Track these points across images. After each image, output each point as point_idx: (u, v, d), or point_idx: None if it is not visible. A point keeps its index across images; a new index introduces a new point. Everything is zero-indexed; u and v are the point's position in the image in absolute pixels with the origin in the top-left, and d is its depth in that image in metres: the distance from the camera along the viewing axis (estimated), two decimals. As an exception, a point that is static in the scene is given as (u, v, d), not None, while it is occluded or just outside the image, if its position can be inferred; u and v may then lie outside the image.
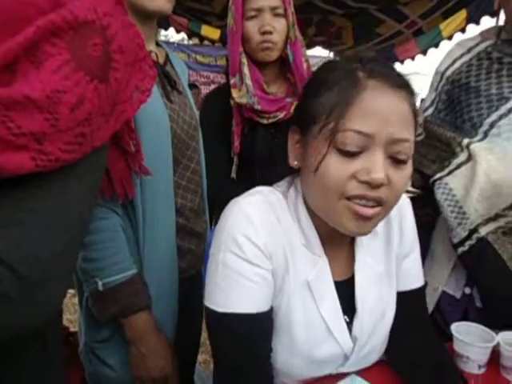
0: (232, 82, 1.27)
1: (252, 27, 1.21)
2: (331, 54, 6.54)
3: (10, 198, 0.44)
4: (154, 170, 0.83)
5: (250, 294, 0.66)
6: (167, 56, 1.02)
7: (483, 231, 0.91)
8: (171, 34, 10.48)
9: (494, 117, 0.96)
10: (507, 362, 0.81)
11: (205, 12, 4.23)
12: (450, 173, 0.97)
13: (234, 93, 1.25)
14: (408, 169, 0.64)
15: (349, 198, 0.62)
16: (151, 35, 0.95)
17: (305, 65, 1.29)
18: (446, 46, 3.92)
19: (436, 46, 4.20)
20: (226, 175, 1.28)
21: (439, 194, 0.97)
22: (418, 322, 0.80)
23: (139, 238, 0.86)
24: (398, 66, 4.91)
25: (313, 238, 0.71)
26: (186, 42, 7.37)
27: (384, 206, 0.63)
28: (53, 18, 0.43)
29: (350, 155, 0.61)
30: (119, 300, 0.82)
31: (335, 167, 0.61)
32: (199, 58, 5.99)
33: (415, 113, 0.64)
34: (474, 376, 0.81)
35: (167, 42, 6.61)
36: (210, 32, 4.70)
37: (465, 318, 0.97)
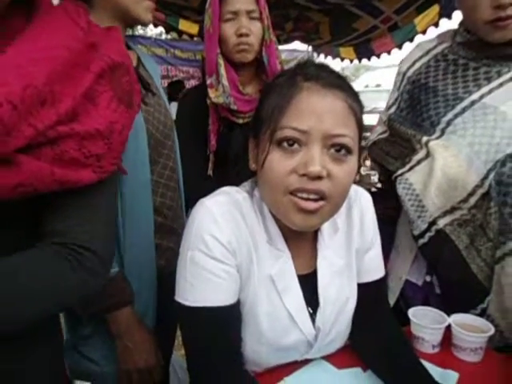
0: (208, 81, 1.30)
1: (229, 29, 1.25)
2: (310, 48, 6.59)
3: (83, 202, 0.61)
4: (132, 171, 0.86)
5: (217, 288, 0.70)
6: (139, 58, 1.03)
7: (441, 223, 0.98)
8: (149, 27, 10.30)
9: (450, 115, 1.02)
10: (457, 342, 0.87)
11: (182, 6, 4.18)
12: (410, 169, 1.04)
13: (211, 92, 1.29)
14: (350, 163, 0.68)
15: (292, 193, 0.66)
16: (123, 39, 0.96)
17: (279, 66, 1.34)
18: (420, 40, 4.01)
19: (411, 40, 4.29)
20: (202, 172, 1.32)
21: (400, 189, 1.03)
22: (378, 310, 0.86)
23: (119, 237, 0.90)
24: (374, 60, 5.00)
25: (276, 235, 0.76)
26: (163, 37, 7.28)
27: (328, 200, 0.66)
28: (101, 64, 0.57)
29: (290, 151, 0.66)
30: (103, 297, 0.85)
31: (277, 162, 0.66)
32: (178, 52, 5.92)
33: (355, 110, 0.68)
34: (429, 355, 0.87)
35: (144, 37, 6.49)
36: (188, 26, 4.67)
37: (426, 304, 1.04)
